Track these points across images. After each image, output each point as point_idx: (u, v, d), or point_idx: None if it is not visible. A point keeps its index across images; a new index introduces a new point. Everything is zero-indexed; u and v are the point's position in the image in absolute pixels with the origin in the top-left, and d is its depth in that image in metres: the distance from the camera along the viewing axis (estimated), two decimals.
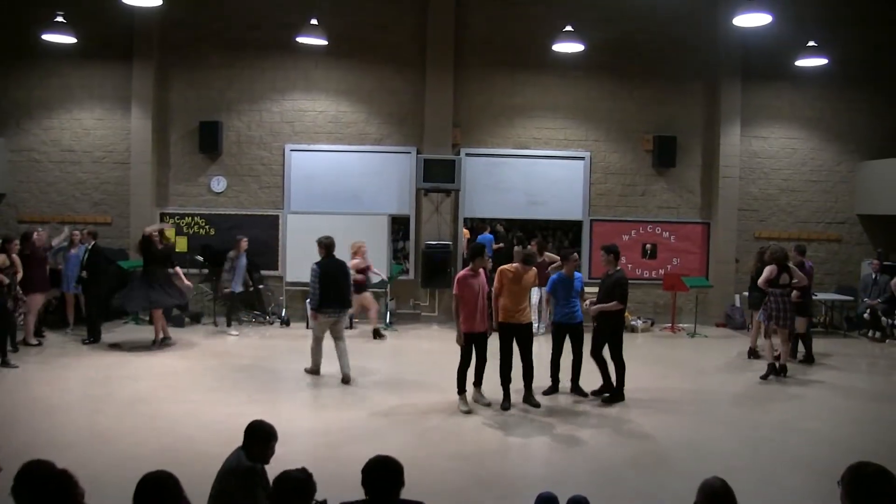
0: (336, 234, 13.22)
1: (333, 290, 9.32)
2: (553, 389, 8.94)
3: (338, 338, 9.47)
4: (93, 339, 11.44)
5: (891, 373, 11.24)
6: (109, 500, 5.53)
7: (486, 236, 15.73)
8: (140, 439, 6.97)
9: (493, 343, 8.46)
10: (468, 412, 8.16)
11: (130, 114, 13.79)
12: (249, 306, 13.79)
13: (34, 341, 11.06)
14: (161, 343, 11.23)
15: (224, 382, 9.33)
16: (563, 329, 8.98)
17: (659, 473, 6.50)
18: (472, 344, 8.33)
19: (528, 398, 8.46)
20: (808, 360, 11.07)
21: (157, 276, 11.28)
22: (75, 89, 13.93)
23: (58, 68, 13.78)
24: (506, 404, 8.33)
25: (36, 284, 11.03)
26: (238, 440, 4.56)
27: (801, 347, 11.19)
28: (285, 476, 3.54)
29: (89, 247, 11.74)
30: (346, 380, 9.31)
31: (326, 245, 9.57)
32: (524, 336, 8.43)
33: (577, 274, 9.07)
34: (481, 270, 8.44)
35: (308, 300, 9.87)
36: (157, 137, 13.91)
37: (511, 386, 8.42)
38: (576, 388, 8.97)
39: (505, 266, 8.65)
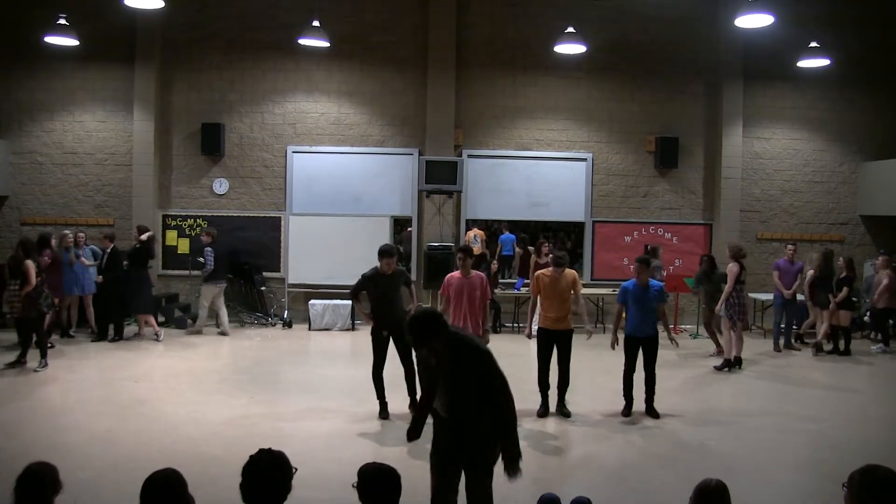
0: (338, 235, 13.48)
1: (222, 267, 12.60)
2: (628, 410, 8.19)
3: (220, 303, 12.61)
4: (118, 336, 11.91)
5: (892, 374, 11.20)
6: (111, 501, 5.54)
7: (507, 236, 15.71)
8: (141, 441, 6.97)
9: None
10: None
11: (132, 116, 13.81)
12: (251, 308, 13.81)
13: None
14: (135, 335, 12.19)
15: (225, 384, 9.34)
16: (634, 342, 8.20)
17: (660, 475, 6.48)
18: None
19: (561, 407, 8.19)
20: (847, 352, 11.83)
21: (133, 277, 12.01)
22: (77, 91, 13.95)
23: (60, 70, 13.81)
24: (542, 410, 8.13)
25: (58, 288, 11.41)
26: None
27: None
28: (253, 461, 3.36)
29: (108, 250, 12.15)
30: (224, 332, 12.51)
31: (215, 235, 12.59)
32: (564, 343, 8.16)
33: (654, 282, 8.39)
34: (476, 274, 8.10)
35: (203, 272, 12.46)
36: (160, 139, 13.93)
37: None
38: (649, 409, 8.20)
39: (540, 271, 8.44)
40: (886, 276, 12.05)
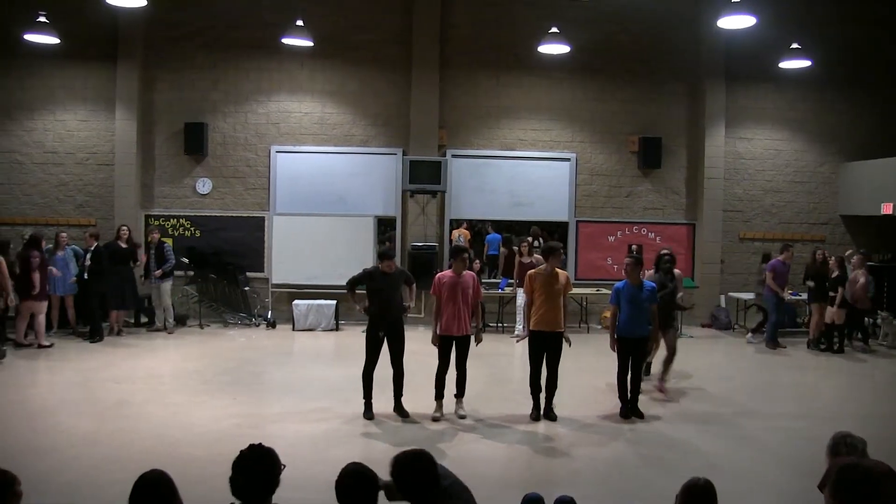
0: (322, 235, 13.45)
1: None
2: (624, 411, 8.12)
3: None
4: (98, 338, 11.72)
5: (871, 372, 11.31)
6: (92, 502, 5.49)
7: (493, 236, 15.69)
8: (123, 443, 6.91)
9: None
10: (437, 419, 7.91)
11: (115, 115, 13.71)
12: (234, 308, 13.75)
13: (46, 342, 11.19)
14: (118, 333, 12.29)
15: (208, 385, 9.28)
16: (628, 343, 8.14)
17: (643, 474, 6.51)
18: (449, 347, 8.01)
19: (548, 410, 8.02)
20: (841, 349, 12.06)
21: (120, 275, 12.17)
22: (58, 90, 13.82)
23: (40, 69, 13.67)
24: (535, 414, 7.99)
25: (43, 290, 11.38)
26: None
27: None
28: (243, 455, 3.40)
29: (92, 248, 12.02)
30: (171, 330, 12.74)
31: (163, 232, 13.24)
32: (554, 346, 7.98)
33: (647, 283, 8.31)
34: (467, 273, 8.08)
35: (163, 268, 12.57)
36: (142, 139, 13.83)
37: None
38: (634, 410, 8.17)
39: (532, 270, 8.22)
40: (862, 274, 12.14)
